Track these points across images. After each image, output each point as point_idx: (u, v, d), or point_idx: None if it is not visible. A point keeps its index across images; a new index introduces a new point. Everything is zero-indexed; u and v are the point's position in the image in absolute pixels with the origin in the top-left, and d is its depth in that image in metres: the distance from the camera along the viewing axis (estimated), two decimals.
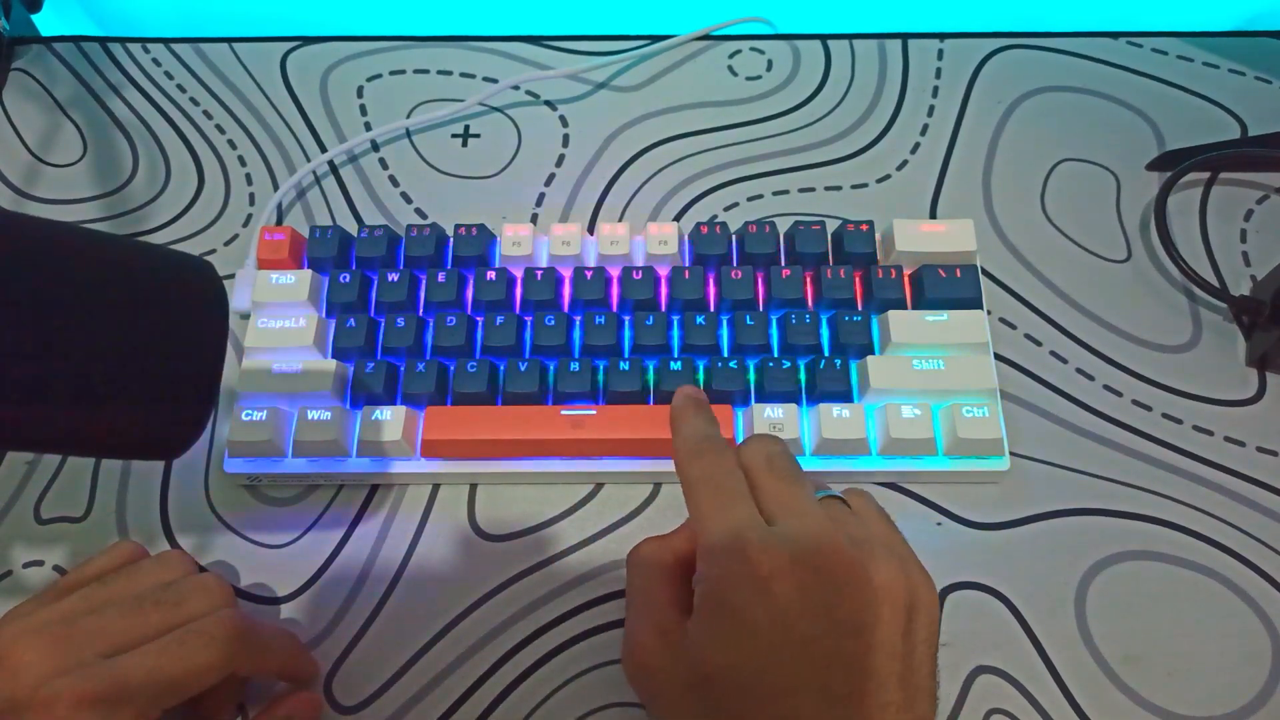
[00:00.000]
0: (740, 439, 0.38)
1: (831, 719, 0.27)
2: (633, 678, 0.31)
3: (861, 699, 0.27)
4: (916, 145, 0.48)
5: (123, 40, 0.53)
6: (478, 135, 0.49)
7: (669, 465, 0.38)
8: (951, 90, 0.49)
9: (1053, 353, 0.42)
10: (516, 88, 0.50)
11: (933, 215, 0.46)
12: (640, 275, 0.40)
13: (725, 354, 0.39)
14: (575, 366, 0.38)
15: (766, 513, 0.30)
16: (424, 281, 0.41)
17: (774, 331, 0.39)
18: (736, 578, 0.28)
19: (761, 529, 0.28)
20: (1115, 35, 0.50)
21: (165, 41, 0.53)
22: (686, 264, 0.42)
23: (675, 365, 0.38)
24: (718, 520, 0.29)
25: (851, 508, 0.31)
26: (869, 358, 0.38)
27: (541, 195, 0.47)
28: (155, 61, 0.52)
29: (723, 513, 0.29)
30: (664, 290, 0.41)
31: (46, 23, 0.55)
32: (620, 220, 0.45)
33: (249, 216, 0.47)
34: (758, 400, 0.38)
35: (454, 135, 0.49)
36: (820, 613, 0.27)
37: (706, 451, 0.31)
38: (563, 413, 0.38)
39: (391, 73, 0.51)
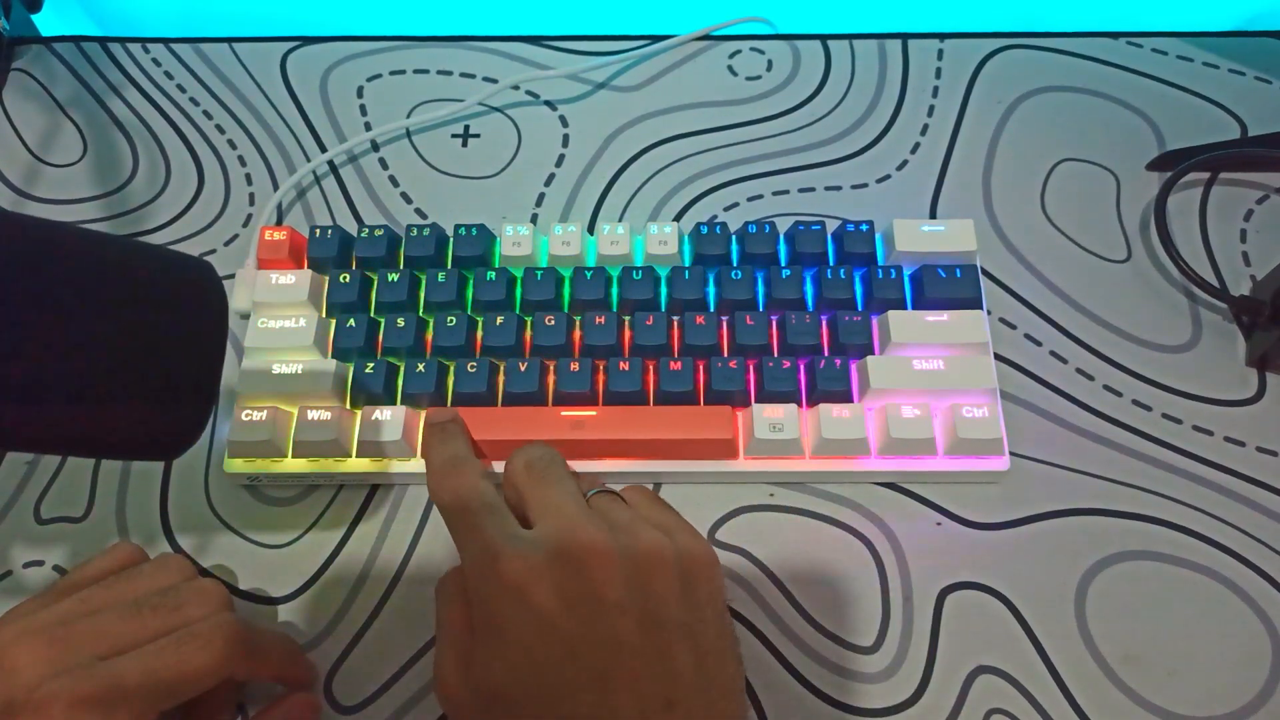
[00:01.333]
0: (740, 439, 0.38)
1: (619, 706, 0.26)
2: (442, 705, 0.30)
3: (646, 678, 0.27)
4: (916, 145, 0.48)
5: (123, 40, 0.53)
6: (478, 135, 0.49)
7: (669, 465, 0.38)
8: (951, 90, 0.49)
9: (1053, 353, 0.42)
10: (516, 88, 0.50)
11: (933, 215, 0.46)
12: (640, 275, 0.40)
13: (725, 354, 0.39)
14: (575, 366, 0.38)
15: (528, 520, 0.30)
16: (424, 281, 0.41)
17: (773, 331, 0.39)
18: (494, 594, 0.28)
19: (511, 539, 0.29)
20: (1115, 35, 0.50)
21: (165, 41, 0.53)
22: (686, 264, 0.42)
23: (675, 365, 0.38)
24: (469, 540, 0.29)
25: (624, 499, 0.32)
26: (869, 358, 0.38)
27: (541, 195, 0.47)
28: (155, 61, 0.52)
29: (473, 532, 0.29)
30: (664, 290, 0.41)
31: (46, 23, 0.55)
32: (620, 220, 0.45)
33: (249, 216, 0.47)
34: (758, 400, 0.38)
35: (454, 135, 0.49)
36: (584, 604, 0.27)
37: (450, 474, 0.32)
38: (563, 413, 0.38)
39: (391, 73, 0.51)
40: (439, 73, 0.51)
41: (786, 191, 0.46)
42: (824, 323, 0.40)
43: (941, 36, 0.51)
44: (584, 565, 0.28)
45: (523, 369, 0.38)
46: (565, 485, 0.31)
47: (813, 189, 0.47)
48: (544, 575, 0.28)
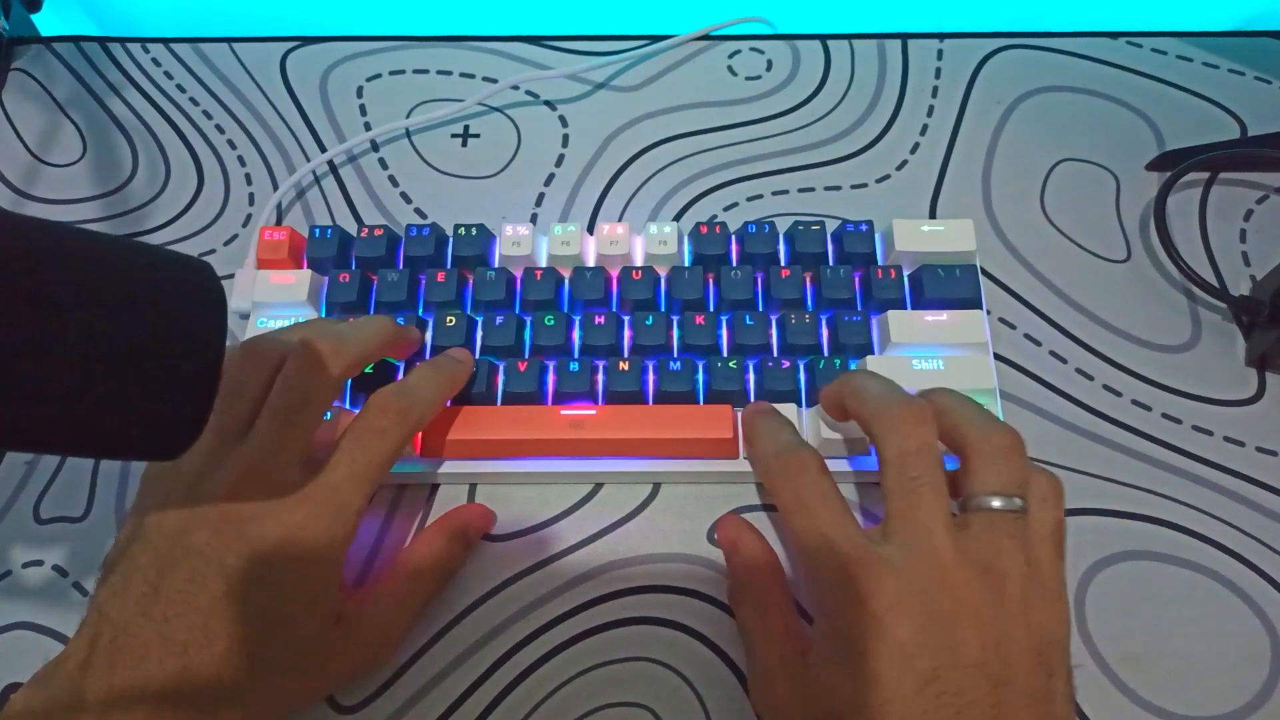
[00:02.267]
0: (739, 439, 0.38)
1: None
2: (763, 712, 0.31)
3: None
4: (916, 145, 0.48)
5: (122, 40, 0.53)
6: (477, 135, 0.49)
7: (669, 465, 0.38)
8: (951, 90, 0.49)
9: (1052, 353, 0.42)
10: (516, 88, 0.50)
11: (932, 215, 0.46)
12: (640, 275, 0.40)
13: (724, 354, 0.39)
14: (575, 366, 0.38)
15: (888, 518, 0.29)
16: (424, 281, 0.41)
17: (773, 331, 0.39)
18: (850, 614, 0.27)
19: (865, 553, 0.28)
20: (1115, 35, 0.50)
21: (165, 41, 0.53)
22: (686, 264, 0.42)
23: (675, 365, 0.38)
24: (820, 551, 0.28)
25: (1008, 534, 0.28)
26: (868, 358, 0.38)
27: (541, 195, 0.47)
28: (155, 61, 0.52)
29: (821, 538, 0.28)
30: (663, 290, 0.41)
31: (46, 23, 0.55)
32: (620, 220, 0.45)
33: (249, 216, 0.47)
34: (757, 400, 0.38)
35: (454, 135, 0.49)
36: (941, 649, 0.27)
37: (789, 466, 0.31)
38: (562, 413, 0.38)
39: (391, 73, 0.51)
40: (439, 73, 0.51)
41: (786, 191, 0.46)
42: (823, 322, 0.40)
43: (941, 36, 0.51)
44: (944, 616, 0.27)
45: (522, 369, 0.38)
46: (938, 505, 0.28)
47: (812, 189, 0.47)
48: (907, 612, 0.27)
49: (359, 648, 0.33)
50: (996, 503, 0.28)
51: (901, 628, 0.27)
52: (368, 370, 0.38)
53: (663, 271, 0.41)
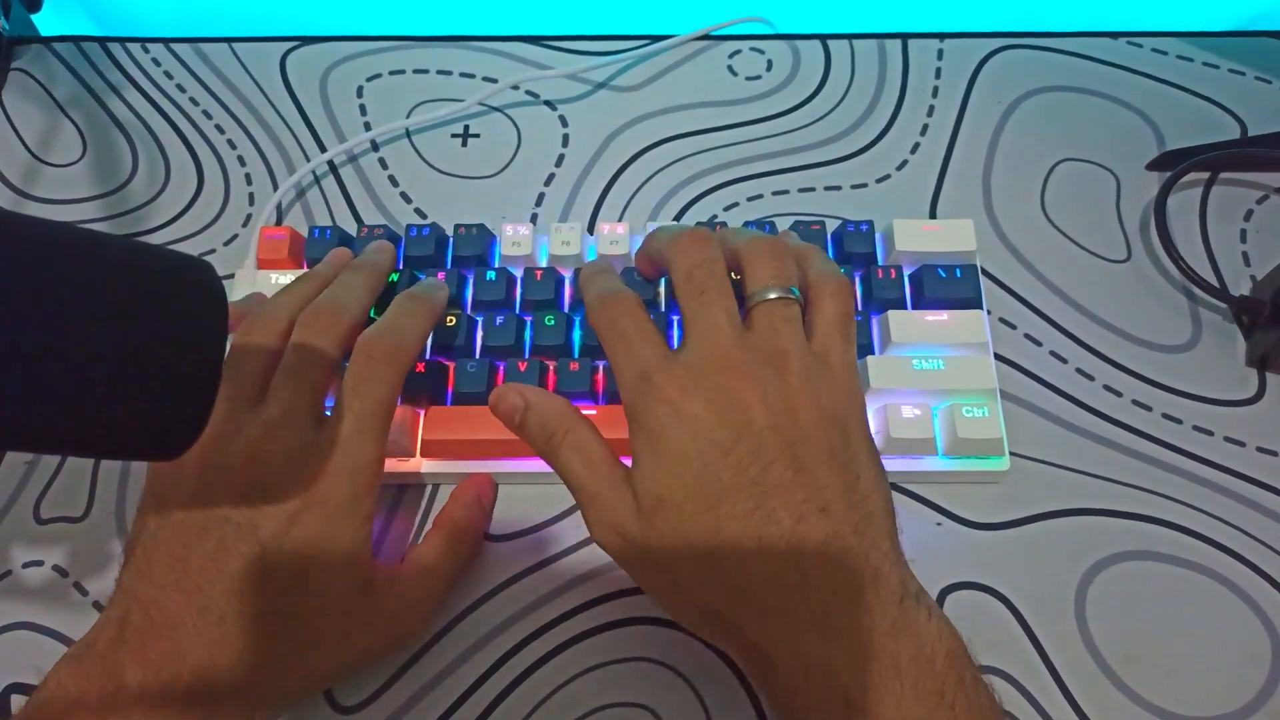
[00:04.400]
0: None
1: (774, 508, 0.27)
2: (604, 535, 0.31)
3: (797, 486, 0.28)
4: (916, 145, 0.48)
5: (122, 40, 0.53)
6: (477, 135, 0.49)
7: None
8: (951, 90, 0.49)
9: (1052, 353, 0.42)
10: (516, 88, 0.50)
11: (933, 215, 0.46)
12: (640, 275, 0.40)
13: None
14: (574, 366, 0.38)
15: (683, 330, 0.31)
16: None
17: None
18: (650, 407, 0.29)
19: (664, 360, 0.30)
20: (1115, 35, 0.50)
21: (165, 41, 0.53)
22: None
23: None
24: (626, 361, 0.31)
25: (793, 317, 0.31)
26: (869, 358, 0.38)
27: (541, 195, 0.47)
28: (155, 61, 0.52)
29: (629, 353, 0.31)
30: (664, 290, 0.41)
31: (46, 22, 0.55)
32: (620, 220, 0.45)
33: (249, 216, 0.47)
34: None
35: (454, 135, 0.49)
36: (734, 419, 0.28)
37: (608, 301, 0.32)
38: None
39: (391, 73, 0.51)
40: (439, 73, 0.51)
41: (786, 191, 0.46)
42: None
43: (941, 36, 0.51)
44: (731, 392, 0.29)
45: (522, 368, 0.38)
46: (721, 304, 0.31)
47: (812, 189, 0.47)
48: (695, 390, 0.29)
49: (389, 618, 0.33)
50: (771, 294, 0.31)
51: (695, 406, 0.29)
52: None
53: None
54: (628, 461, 0.31)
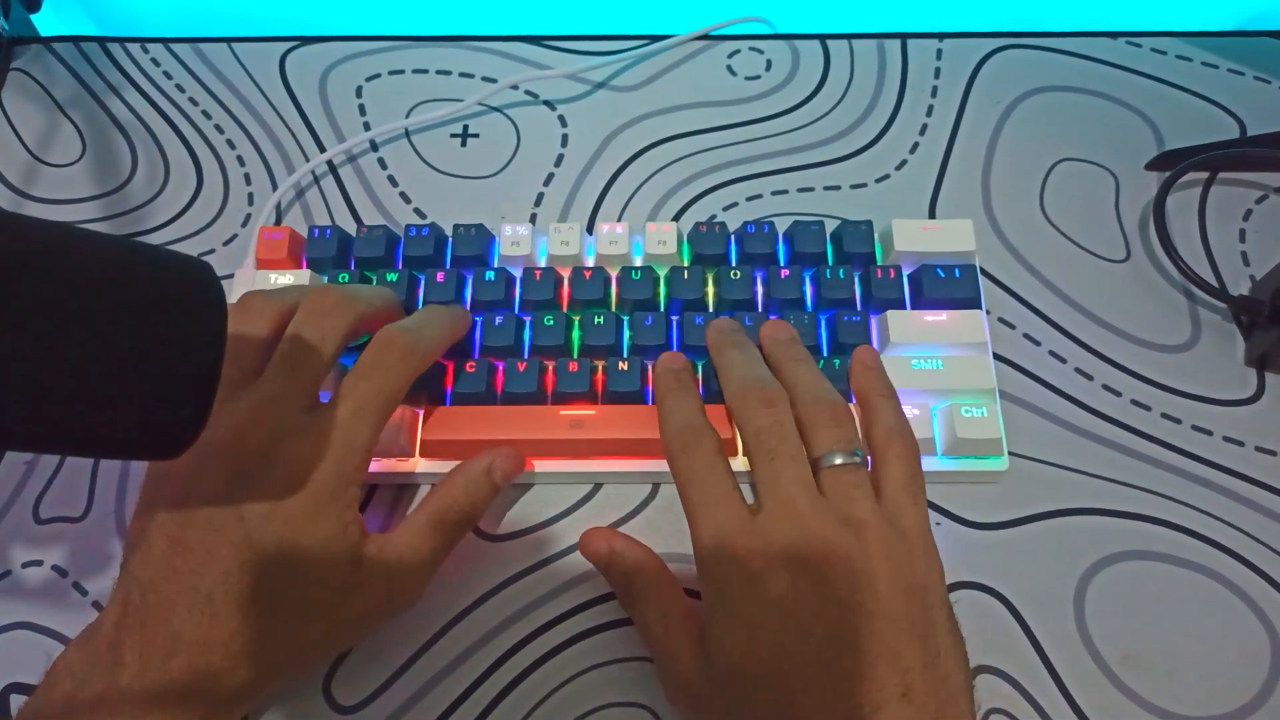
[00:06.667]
0: (739, 439, 0.38)
1: (853, 691, 0.27)
2: (676, 695, 0.32)
3: (880, 666, 0.28)
4: (915, 145, 0.48)
5: (122, 40, 0.53)
6: (477, 135, 0.49)
7: (668, 465, 0.38)
8: (950, 90, 0.49)
9: (1052, 352, 0.42)
10: (515, 87, 0.50)
11: (932, 215, 0.46)
12: (639, 275, 0.40)
13: None
14: (574, 366, 0.38)
15: (756, 492, 0.31)
16: (423, 282, 0.41)
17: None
18: (730, 577, 0.29)
19: (743, 524, 0.30)
20: (1115, 35, 0.50)
21: (164, 41, 0.53)
22: (685, 264, 0.42)
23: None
24: (706, 522, 0.31)
25: (866, 483, 0.31)
26: None
27: (540, 195, 0.47)
28: (154, 61, 0.52)
29: (709, 513, 0.31)
30: (663, 290, 0.41)
31: (46, 23, 0.55)
32: (619, 220, 0.45)
33: (248, 216, 0.47)
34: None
35: (453, 135, 0.49)
36: (815, 596, 0.28)
37: (691, 446, 0.33)
38: (561, 413, 0.38)
39: (390, 73, 0.51)
40: (438, 73, 0.51)
41: (785, 191, 0.46)
42: (823, 323, 0.40)
43: (940, 36, 0.51)
44: (814, 567, 0.29)
45: (521, 369, 0.38)
46: (794, 472, 0.31)
47: (812, 189, 0.47)
48: (774, 565, 0.29)
49: (382, 585, 0.33)
50: (837, 459, 0.32)
51: (776, 583, 0.29)
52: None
53: (661, 271, 0.41)
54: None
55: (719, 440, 0.33)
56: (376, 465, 0.38)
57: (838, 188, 0.47)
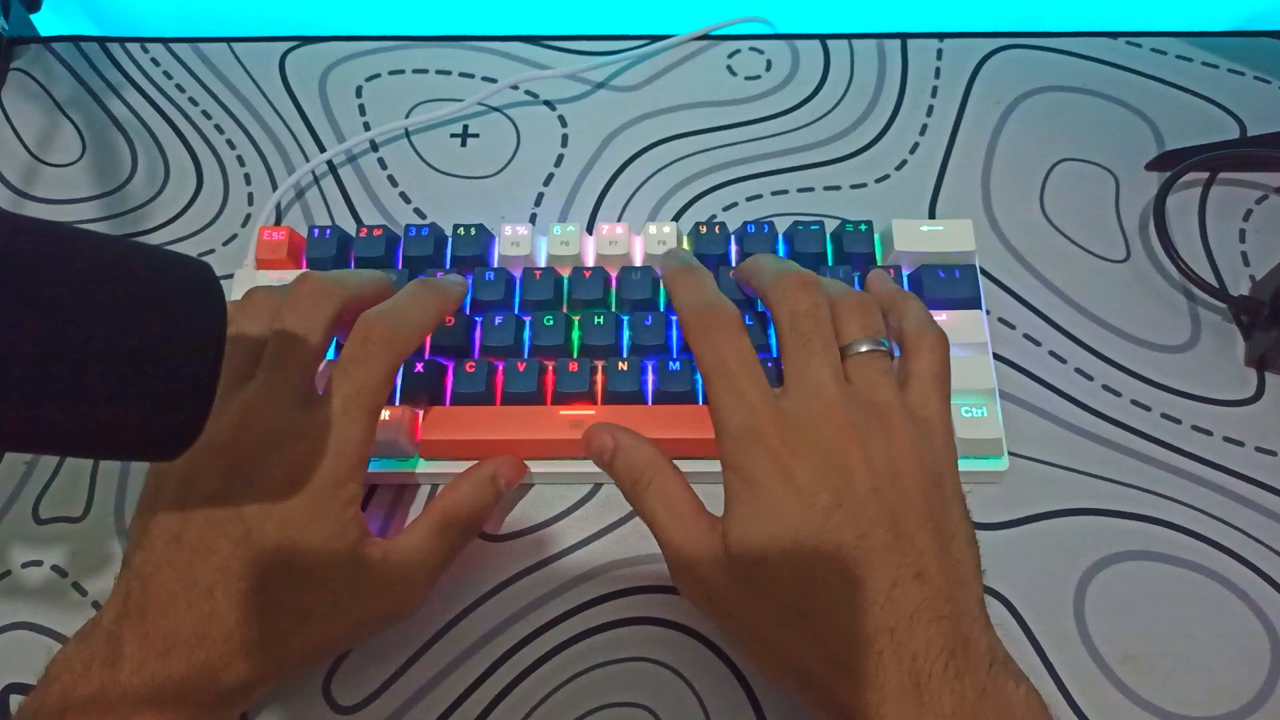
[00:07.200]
0: None
1: (866, 576, 0.28)
2: (687, 579, 0.31)
3: (894, 551, 0.28)
4: (915, 145, 0.48)
5: (122, 40, 0.53)
6: (476, 135, 0.49)
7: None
8: (950, 90, 0.49)
9: (1052, 353, 0.42)
10: (515, 87, 0.50)
11: (932, 215, 0.46)
12: (639, 275, 0.40)
13: None
14: (574, 366, 0.38)
15: (784, 376, 0.31)
16: None
17: (773, 331, 0.39)
18: (756, 461, 0.29)
19: (770, 410, 0.30)
20: (1115, 35, 0.50)
21: (164, 41, 0.53)
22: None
23: (674, 365, 0.38)
24: (734, 410, 0.31)
25: (889, 370, 0.32)
26: None
27: (540, 195, 0.47)
28: (154, 61, 0.52)
29: (739, 402, 0.31)
30: (663, 290, 0.41)
31: (45, 22, 0.55)
32: (619, 220, 0.45)
33: (248, 216, 0.47)
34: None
35: (453, 135, 0.49)
36: (838, 484, 0.29)
37: (712, 325, 0.32)
38: (561, 413, 0.38)
39: (390, 73, 0.51)
40: (438, 72, 0.51)
41: (785, 191, 0.46)
42: None
43: (940, 36, 0.51)
44: (837, 453, 0.29)
45: (521, 369, 0.38)
46: (826, 356, 0.31)
47: (812, 189, 0.47)
48: (801, 450, 0.29)
49: (385, 590, 0.33)
50: (864, 346, 0.32)
51: (801, 469, 0.29)
52: None
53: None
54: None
55: (740, 316, 0.33)
56: (377, 465, 0.38)
57: (838, 188, 0.47)
